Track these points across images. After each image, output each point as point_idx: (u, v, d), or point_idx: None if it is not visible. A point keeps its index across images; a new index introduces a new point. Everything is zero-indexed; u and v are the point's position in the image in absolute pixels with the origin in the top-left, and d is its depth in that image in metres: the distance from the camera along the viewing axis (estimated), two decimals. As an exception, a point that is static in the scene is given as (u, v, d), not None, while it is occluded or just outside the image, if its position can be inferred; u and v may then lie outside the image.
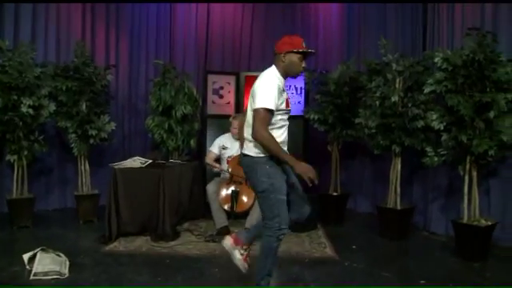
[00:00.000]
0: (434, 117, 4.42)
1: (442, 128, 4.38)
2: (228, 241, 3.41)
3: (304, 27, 7.03)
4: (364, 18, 6.32)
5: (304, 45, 3.12)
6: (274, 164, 3.10)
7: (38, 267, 3.75)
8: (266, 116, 2.99)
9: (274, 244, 3.16)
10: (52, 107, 5.21)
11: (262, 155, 3.10)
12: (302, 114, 5.68)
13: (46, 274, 3.72)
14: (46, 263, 3.80)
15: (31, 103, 4.99)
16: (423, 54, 4.95)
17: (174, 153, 5.93)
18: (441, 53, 4.38)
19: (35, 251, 3.88)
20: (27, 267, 3.80)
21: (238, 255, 3.37)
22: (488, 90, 4.16)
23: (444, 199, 5.15)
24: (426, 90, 4.44)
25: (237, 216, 5.20)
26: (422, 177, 5.43)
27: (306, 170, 2.96)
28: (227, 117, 5.66)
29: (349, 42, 6.52)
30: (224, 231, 5.02)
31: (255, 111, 3.02)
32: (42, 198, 5.96)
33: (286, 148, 3.14)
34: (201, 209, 5.57)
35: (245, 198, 5.06)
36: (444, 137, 4.39)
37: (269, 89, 3.02)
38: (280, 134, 3.12)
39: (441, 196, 5.18)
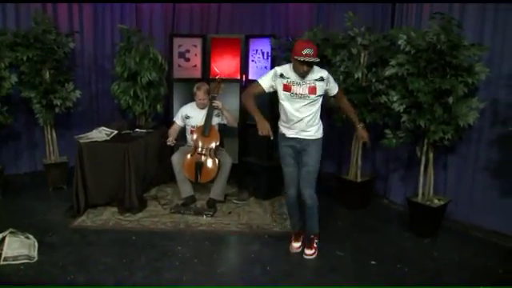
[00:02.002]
0: (395, 98, 4.45)
1: (402, 110, 4.44)
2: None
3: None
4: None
5: (304, 52, 3.59)
6: (285, 142, 3.98)
7: (7, 251, 3.87)
8: (254, 84, 3.95)
9: (287, 203, 4.30)
10: (14, 78, 5.12)
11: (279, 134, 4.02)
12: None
13: (15, 258, 3.85)
14: (15, 247, 3.91)
15: (-9, 76, 4.90)
16: (389, 31, 4.86)
17: (140, 118, 5.95)
18: (405, 34, 4.33)
19: (4, 234, 3.98)
20: (-3, 250, 3.92)
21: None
22: (448, 76, 4.17)
23: (404, 170, 5.32)
24: (388, 72, 4.44)
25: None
26: (385, 145, 5.57)
27: (260, 126, 3.74)
28: (194, 80, 5.60)
29: (318, 10, 6.34)
30: (190, 201, 5.22)
31: None
32: (12, 162, 6.03)
33: (295, 121, 3.86)
34: (168, 174, 5.61)
35: (209, 169, 5.11)
36: (403, 118, 4.45)
37: (266, 72, 3.95)
38: (285, 109, 3.86)
39: (401, 167, 5.36)
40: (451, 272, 3.91)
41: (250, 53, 5.90)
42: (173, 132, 5.30)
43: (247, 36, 5.97)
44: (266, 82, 3.85)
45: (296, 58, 3.64)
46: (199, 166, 5.10)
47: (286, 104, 3.83)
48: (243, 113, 5.95)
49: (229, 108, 5.42)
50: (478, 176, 4.70)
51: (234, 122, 5.37)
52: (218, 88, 5.23)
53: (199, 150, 5.14)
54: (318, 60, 3.71)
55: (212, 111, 5.16)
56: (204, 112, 5.22)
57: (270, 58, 5.67)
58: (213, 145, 5.14)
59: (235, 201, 5.35)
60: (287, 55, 5.45)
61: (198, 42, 6.09)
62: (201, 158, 5.12)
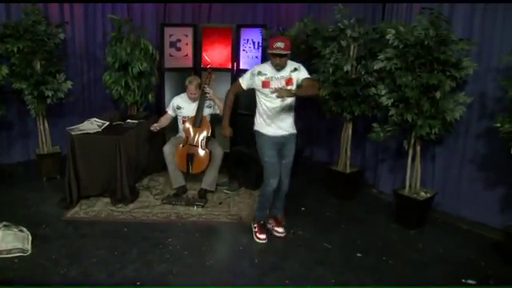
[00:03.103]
0: (383, 92, 4.49)
1: (390, 104, 4.47)
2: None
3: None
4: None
5: (275, 45, 3.87)
6: (263, 137, 4.15)
7: (1, 245, 3.92)
8: (235, 84, 4.32)
9: (264, 191, 4.24)
10: (5, 70, 5.10)
11: (256, 129, 4.22)
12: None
13: (9, 251, 3.91)
14: (9, 240, 3.97)
15: (-19, 68, 4.90)
16: (378, 25, 4.85)
17: (132, 107, 5.97)
18: (394, 28, 4.34)
19: (-2, 228, 4.04)
20: (-9, 243, 3.98)
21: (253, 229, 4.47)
22: (436, 71, 4.20)
23: (393, 161, 5.39)
24: (376, 66, 4.47)
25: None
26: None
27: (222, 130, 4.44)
28: (185, 69, 5.58)
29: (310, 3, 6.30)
30: (181, 191, 5.28)
31: None
32: (5, 152, 6.07)
33: (275, 113, 4.09)
34: (160, 163, 5.61)
35: (200, 160, 5.17)
36: (391, 112, 4.48)
37: (246, 72, 4.21)
38: (268, 105, 4.09)
39: (390, 157, 5.42)
40: (435, 264, 4.00)
41: (241, 42, 5.87)
42: (163, 120, 5.37)
43: (238, 25, 5.94)
44: (245, 81, 4.17)
45: (268, 51, 3.97)
46: (190, 157, 5.16)
47: (267, 99, 4.08)
48: (234, 102, 5.96)
49: (220, 97, 5.43)
50: (465, 168, 4.76)
51: (226, 111, 5.39)
52: (209, 79, 5.24)
53: (190, 140, 5.19)
54: (289, 52, 3.91)
55: (203, 102, 5.18)
56: (195, 104, 5.24)
57: (260, 47, 5.66)
58: (204, 136, 5.19)
59: (226, 191, 5.43)
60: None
61: (189, 31, 6.04)
62: (192, 149, 5.17)
